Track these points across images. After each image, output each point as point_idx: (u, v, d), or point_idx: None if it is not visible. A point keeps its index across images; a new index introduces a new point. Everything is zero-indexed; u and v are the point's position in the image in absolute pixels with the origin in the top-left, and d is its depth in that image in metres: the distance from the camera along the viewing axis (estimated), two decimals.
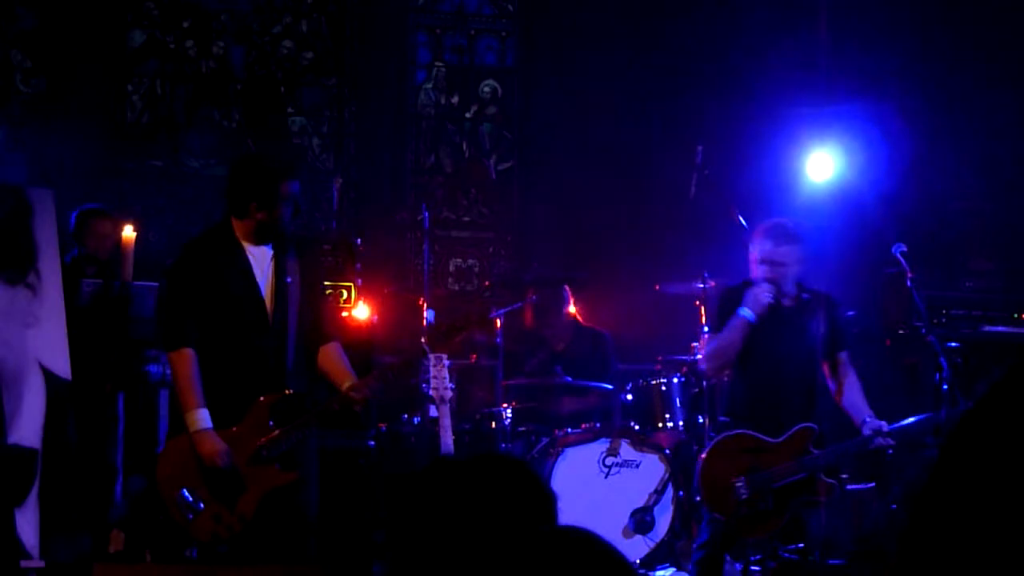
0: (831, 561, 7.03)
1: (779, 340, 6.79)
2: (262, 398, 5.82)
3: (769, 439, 6.62)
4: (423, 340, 6.13)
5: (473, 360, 9.04)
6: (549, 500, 2.57)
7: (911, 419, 6.74)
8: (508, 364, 8.80)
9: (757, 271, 6.82)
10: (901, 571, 1.88)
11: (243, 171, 5.97)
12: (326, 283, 8.19)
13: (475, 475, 2.54)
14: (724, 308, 6.93)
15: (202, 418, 5.72)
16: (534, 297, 8.85)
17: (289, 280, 5.93)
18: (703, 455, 6.67)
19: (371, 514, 7.98)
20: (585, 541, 2.24)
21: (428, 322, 8.01)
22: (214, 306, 5.83)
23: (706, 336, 7.37)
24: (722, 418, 6.98)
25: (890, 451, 6.83)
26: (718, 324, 6.93)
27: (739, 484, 6.54)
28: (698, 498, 6.76)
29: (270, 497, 5.79)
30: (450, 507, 2.48)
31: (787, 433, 6.63)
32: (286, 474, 5.83)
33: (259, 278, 5.89)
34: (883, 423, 6.67)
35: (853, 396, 6.87)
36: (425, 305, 8.32)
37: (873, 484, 8.11)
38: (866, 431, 6.65)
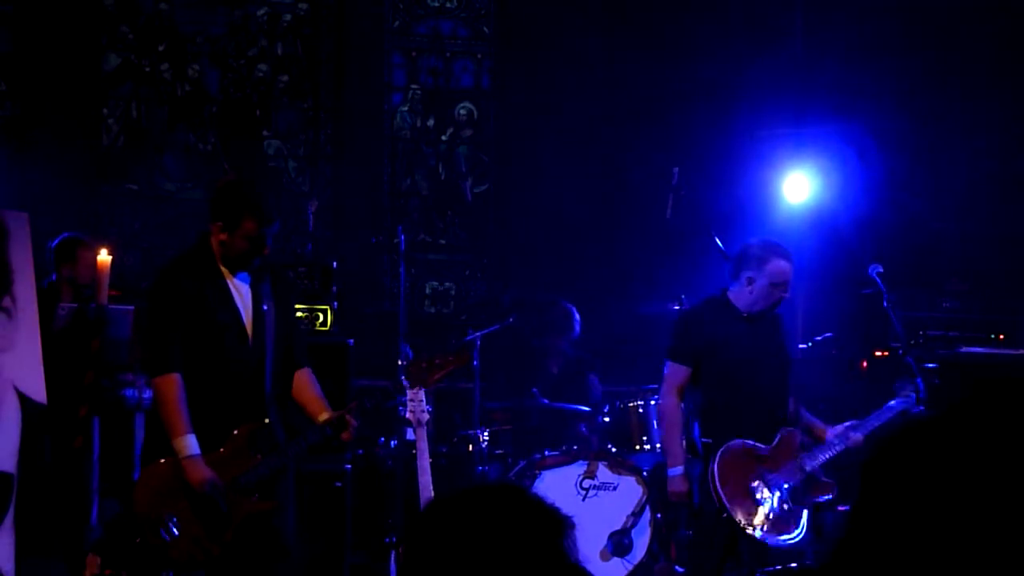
0: None
1: (756, 350, 6.80)
2: (242, 426, 5.81)
3: (763, 446, 6.66)
4: (402, 376, 6.12)
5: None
6: (559, 524, 2.42)
7: (874, 418, 6.81)
8: (497, 383, 8.80)
9: (765, 294, 6.75)
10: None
11: (223, 190, 6.01)
12: (302, 306, 8.17)
13: (483, 510, 2.39)
14: (684, 335, 6.89)
15: (191, 444, 5.67)
16: (511, 319, 8.82)
17: (265, 308, 5.94)
18: (715, 470, 6.57)
19: (347, 537, 7.95)
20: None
21: (406, 357, 7.98)
22: (197, 331, 5.80)
23: (669, 366, 6.86)
24: (705, 439, 6.84)
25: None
26: (677, 351, 6.87)
27: (757, 485, 6.55)
28: (725, 515, 6.63)
29: (247, 522, 5.77)
30: (465, 547, 2.33)
31: (776, 439, 6.67)
32: (264, 502, 5.83)
33: (239, 304, 5.88)
34: (846, 423, 6.81)
35: (804, 414, 6.95)
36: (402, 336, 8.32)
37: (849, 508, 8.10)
38: (830, 436, 6.74)
